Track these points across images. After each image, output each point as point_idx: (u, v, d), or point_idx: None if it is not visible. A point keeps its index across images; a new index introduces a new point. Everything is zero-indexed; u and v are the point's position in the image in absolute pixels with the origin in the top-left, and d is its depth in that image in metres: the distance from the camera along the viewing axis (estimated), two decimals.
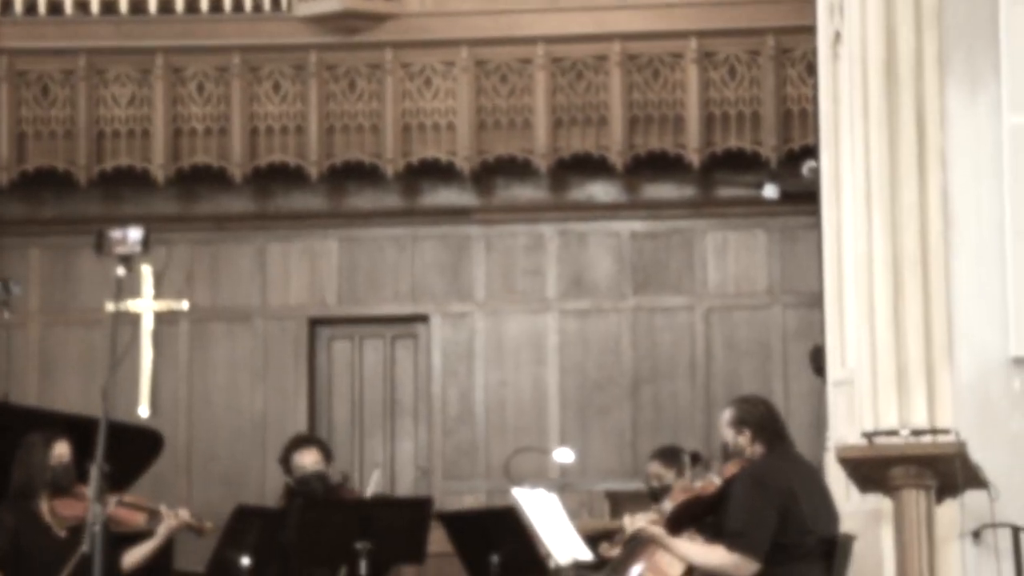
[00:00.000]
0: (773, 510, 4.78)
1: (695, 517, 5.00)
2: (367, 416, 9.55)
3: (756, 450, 4.95)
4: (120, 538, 5.43)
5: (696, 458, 5.64)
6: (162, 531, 5.45)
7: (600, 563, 5.72)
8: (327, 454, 6.12)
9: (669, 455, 6.03)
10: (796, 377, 9.15)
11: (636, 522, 4.90)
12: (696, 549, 4.89)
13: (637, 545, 5.12)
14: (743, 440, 4.96)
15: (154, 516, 5.45)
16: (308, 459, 6.03)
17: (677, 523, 4.93)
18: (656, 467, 6.09)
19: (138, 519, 5.44)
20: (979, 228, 5.78)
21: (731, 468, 4.94)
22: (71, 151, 9.29)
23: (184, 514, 5.46)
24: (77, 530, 4.98)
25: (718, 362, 9.37)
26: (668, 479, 5.96)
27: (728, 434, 4.99)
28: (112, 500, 5.28)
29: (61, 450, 5.37)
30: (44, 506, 5.40)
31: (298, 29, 9.36)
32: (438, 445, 9.43)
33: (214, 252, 9.58)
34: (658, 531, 4.90)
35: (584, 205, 9.55)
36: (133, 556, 5.47)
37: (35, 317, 9.52)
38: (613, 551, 5.33)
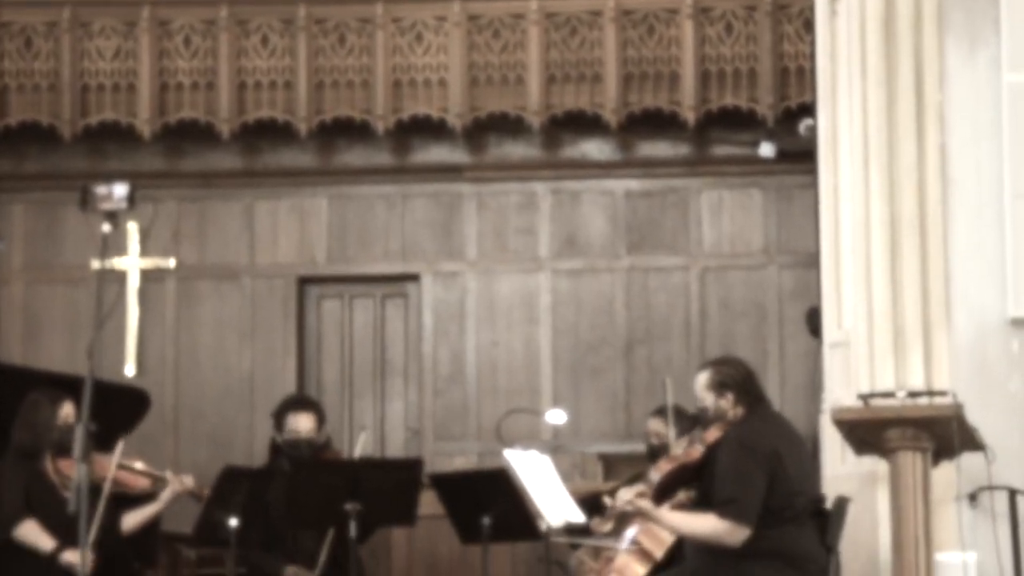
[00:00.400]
0: (762, 474, 4.75)
1: (681, 484, 4.96)
2: (357, 376, 9.48)
3: (737, 412, 4.89)
4: (120, 500, 5.46)
5: (695, 420, 5.56)
6: (165, 496, 5.52)
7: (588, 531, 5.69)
8: (321, 420, 6.06)
9: (674, 415, 5.93)
10: (792, 338, 9.10)
11: (623, 497, 4.84)
12: (687, 520, 4.85)
13: (628, 516, 5.08)
14: (725, 403, 4.91)
15: (159, 482, 5.51)
16: (303, 424, 5.96)
17: (664, 495, 4.89)
18: (656, 424, 6.00)
19: (142, 483, 5.50)
20: (978, 188, 5.75)
21: (713, 433, 4.89)
22: (55, 105, 9.18)
23: (188, 481, 5.52)
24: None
25: (713, 323, 9.30)
26: (668, 437, 5.88)
27: (708, 398, 4.93)
28: (112, 462, 5.30)
29: (68, 411, 5.39)
30: (48, 466, 5.40)
31: None
32: (429, 406, 9.37)
33: (201, 209, 9.48)
34: (647, 505, 4.86)
35: (578, 163, 9.46)
36: (134, 518, 5.53)
37: (18, 275, 9.43)
38: (604, 527, 5.30)
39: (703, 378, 4.96)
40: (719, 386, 4.91)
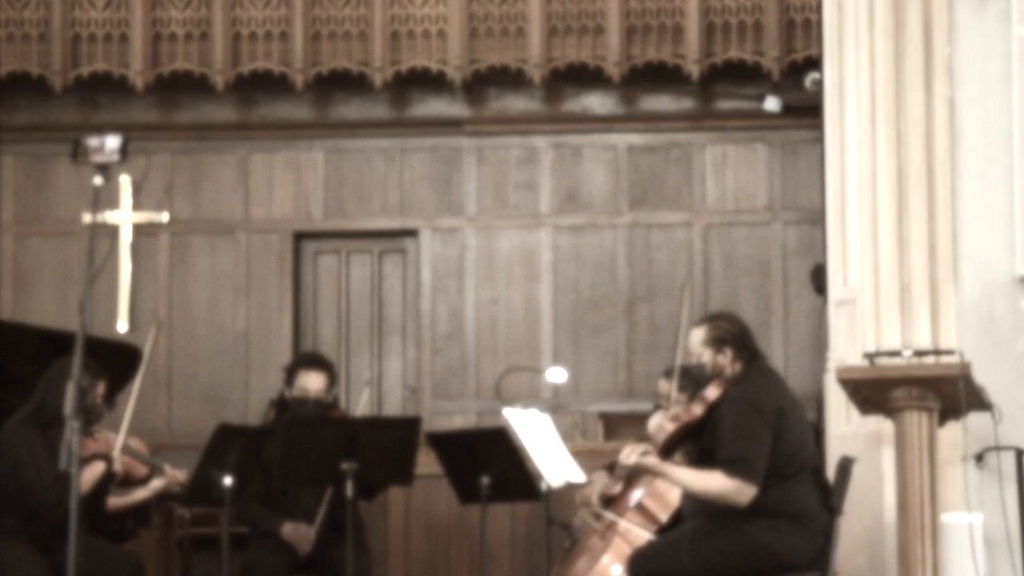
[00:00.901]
0: (768, 432, 4.72)
1: (682, 443, 4.92)
2: (354, 333, 9.39)
3: (735, 368, 4.83)
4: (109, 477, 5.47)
5: (698, 383, 5.48)
6: (155, 486, 5.58)
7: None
8: (332, 381, 5.98)
9: (681, 373, 5.86)
10: (796, 296, 9.02)
11: (631, 456, 4.79)
12: (695, 477, 4.80)
13: (635, 474, 5.04)
14: (723, 360, 4.86)
15: (156, 471, 5.56)
16: (314, 383, 5.88)
17: (667, 454, 4.86)
18: (666, 386, 5.93)
19: (142, 472, 5.55)
20: (986, 143, 5.69)
21: (713, 391, 4.83)
22: (46, 55, 9.05)
23: (181, 476, 5.58)
24: None
25: (716, 280, 9.22)
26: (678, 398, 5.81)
27: (705, 355, 4.87)
28: (117, 442, 5.33)
29: (101, 390, 5.33)
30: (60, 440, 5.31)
31: None
32: (427, 364, 9.30)
33: (195, 162, 9.37)
34: (655, 461, 4.81)
35: (579, 117, 9.34)
36: (121, 499, 5.56)
37: (9, 228, 9.34)
38: (615, 488, 5.26)
39: (699, 334, 4.90)
40: (717, 342, 4.87)
